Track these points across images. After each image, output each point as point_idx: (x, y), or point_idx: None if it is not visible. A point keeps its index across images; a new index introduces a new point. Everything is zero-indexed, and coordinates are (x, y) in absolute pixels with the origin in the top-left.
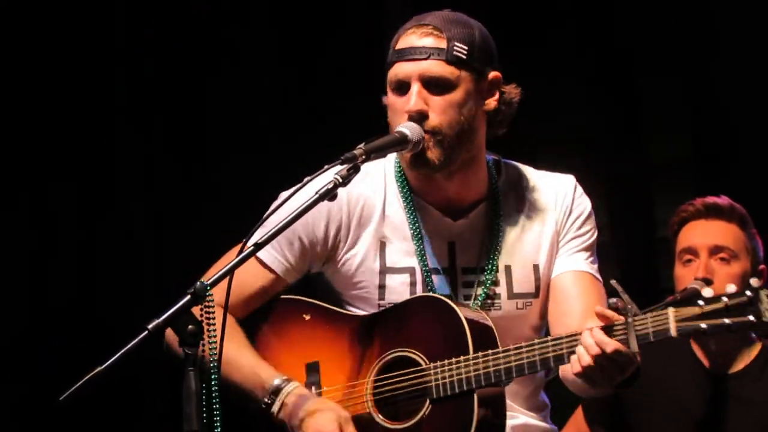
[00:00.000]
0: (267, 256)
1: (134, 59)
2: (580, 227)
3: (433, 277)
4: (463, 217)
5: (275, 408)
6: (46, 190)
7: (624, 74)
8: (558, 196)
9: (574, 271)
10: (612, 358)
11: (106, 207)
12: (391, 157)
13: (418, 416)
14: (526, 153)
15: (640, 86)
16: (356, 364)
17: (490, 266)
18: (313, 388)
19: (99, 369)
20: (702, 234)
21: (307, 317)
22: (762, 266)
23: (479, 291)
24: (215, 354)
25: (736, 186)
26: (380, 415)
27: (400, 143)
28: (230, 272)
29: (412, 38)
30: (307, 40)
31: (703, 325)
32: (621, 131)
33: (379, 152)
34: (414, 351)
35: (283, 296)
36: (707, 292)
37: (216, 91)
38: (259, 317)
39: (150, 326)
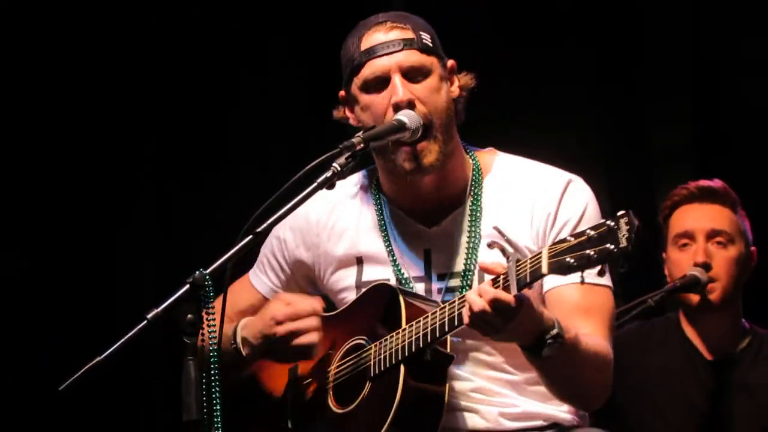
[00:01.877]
0: (254, 279)
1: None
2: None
3: (410, 286)
4: (438, 224)
5: (238, 340)
6: (48, 183)
7: (626, 62)
8: (543, 197)
9: (565, 285)
10: (493, 306)
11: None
12: (361, 173)
13: (360, 397)
14: (526, 141)
15: (641, 74)
16: (328, 359)
17: (465, 270)
18: (291, 390)
19: (99, 359)
20: (698, 218)
21: None
22: (753, 248)
23: (453, 296)
24: (215, 343)
25: (736, 174)
26: (334, 401)
27: (398, 131)
28: (230, 261)
29: (377, 36)
30: (315, 38)
31: (570, 259)
32: (622, 119)
33: (377, 140)
34: (362, 336)
35: None
36: (702, 275)
37: (227, 85)
38: None
39: (149, 316)
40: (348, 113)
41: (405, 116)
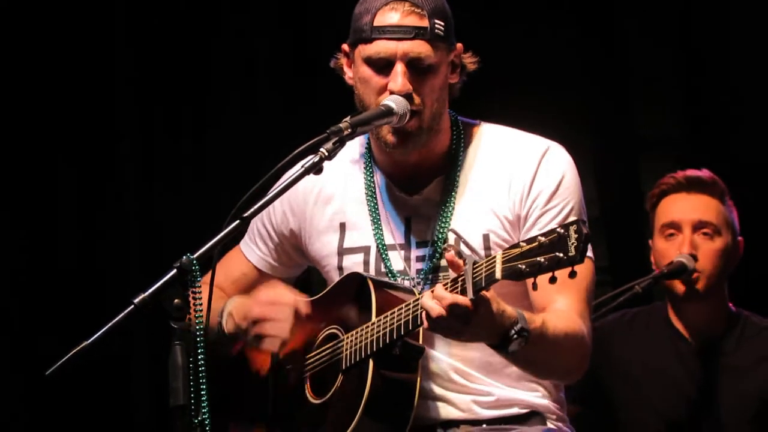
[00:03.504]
0: (245, 248)
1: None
2: (547, 202)
3: (389, 253)
4: (419, 193)
5: (224, 319)
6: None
7: (615, 47)
8: (520, 166)
9: None
10: (449, 310)
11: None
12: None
13: (333, 389)
14: (513, 123)
15: (630, 59)
16: (303, 344)
17: (438, 238)
18: (271, 375)
19: (85, 343)
20: (685, 208)
21: None
22: (740, 238)
23: (427, 265)
24: (201, 326)
25: (725, 160)
26: (310, 390)
27: (386, 116)
28: (216, 245)
29: (392, 15)
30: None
31: (522, 266)
32: (610, 105)
33: (365, 125)
34: (337, 326)
35: None
36: (690, 261)
37: (214, 61)
38: None
39: (136, 300)
40: (346, 67)
41: (393, 101)
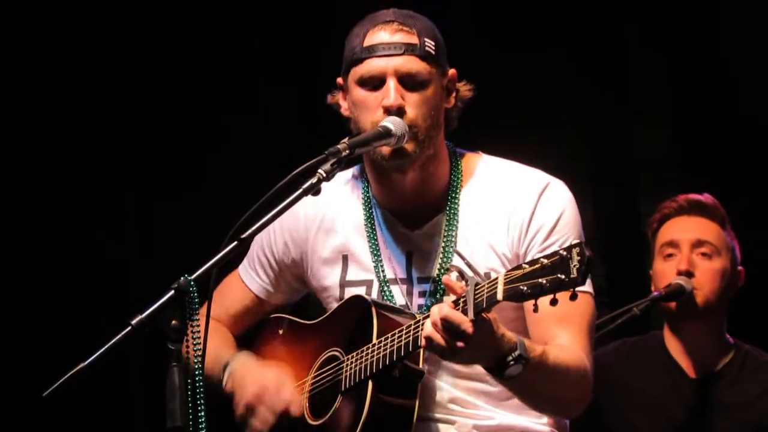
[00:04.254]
0: (244, 274)
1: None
2: (545, 238)
3: (391, 288)
4: (420, 228)
5: (225, 377)
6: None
7: (614, 67)
8: (519, 202)
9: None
10: (447, 328)
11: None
12: (354, 168)
13: (332, 410)
14: (511, 146)
15: (628, 80)
16: (305, 367)
17: (440, 275)
18: None
19: (82, 365)
20: (684, 228)
21: (281, 331)
22: (740, 268)
23: (429, 301)
24: (199, 349)
25: (723, 183)
26: (309, 412)
27: (384, 137)
28: (214, 266)
29: (381, 34)
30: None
31: (523, 287)
32: (608, 127)
33: (363, 146)
34: (337, 348)
35: (270, 315)
36: (688, 284)
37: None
38: (250, 334)
39: (133, 321)
40: (341, 101)
41: (391, 123)
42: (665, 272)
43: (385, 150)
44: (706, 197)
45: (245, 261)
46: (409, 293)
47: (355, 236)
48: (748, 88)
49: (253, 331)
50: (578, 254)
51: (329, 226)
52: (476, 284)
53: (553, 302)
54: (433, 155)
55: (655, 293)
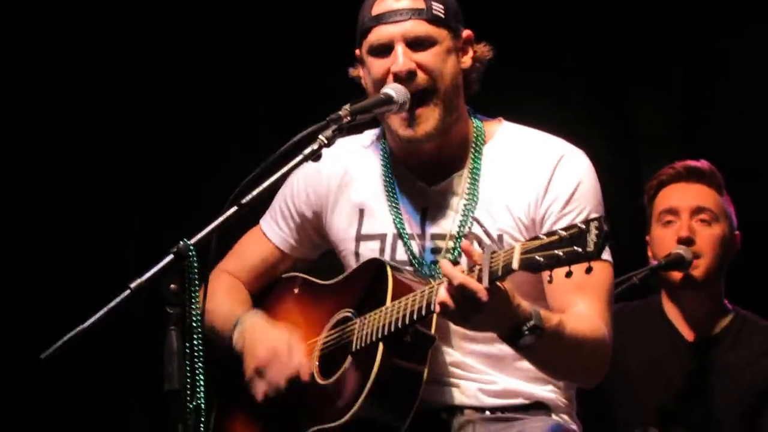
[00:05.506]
0: (266, 226)
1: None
2: (563, 207)
3: (407, 242)
4: (438, 184)
5: (235, 336)
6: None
7: (612, 46)
8: (537, 169)
9: None
10: (462, 294)
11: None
12: (377, 129)
13: (341, 370)
14: (513, 116)
15: (630, 53)
16: (318, 327)
17: (458, 233)
18: None
19: (81, 327)
20: (683, 195)
21: (296, 290)
22: (737, 232)
23: (445, 258)
24: (198, 313)
25: (723, 156)
26: (318, 372)
27: (386, 104)
28: (214, 231)
29: (388, 2)
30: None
31: (540, 258)
32: (608, 102)
33: (364, 113)
34: (350, 309)
35: (284, 274)
36: (687, 253)
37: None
38: (264, 293)
39: (132, 285)
40: (361, 72)
41: (392, 90)
42: (665, 239)
43: (403, 131)
44: (702, 163)
45: (267, 214)
46: (422, 248)
47: (371, 190)
48: (748, 59)
49: (268, 290)
50: (597, 228)
51: (348, 181)
52: (492, 252)
53: (568, 275)
54: (453, 122)
55: (655, 263)
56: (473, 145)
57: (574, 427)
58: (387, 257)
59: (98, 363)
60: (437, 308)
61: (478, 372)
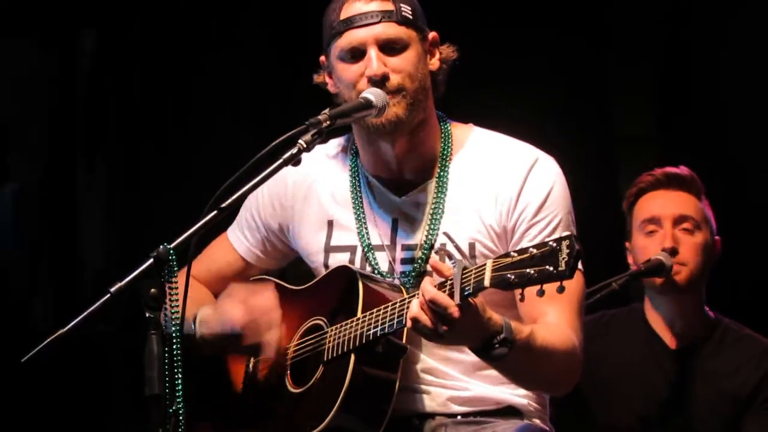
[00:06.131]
0: (232, 236)
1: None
2: (534, 215)
3: (375, 254)
4: (407, 195)
5: (196, 327)
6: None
7: (591, 45)
8: (507, 177)
9: None
10: (433, 310)
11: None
12: (342, 137)
13: (313, 379)
14: (491, 126)
15: (606, 58)
16: (289, 333)
17: (426, 244)
18: (252, 359)
19: (61, 331)
20: (665, 204)
21: None
22: (717, 237)
23: (410, 267)
24: (177, 317)
25: (702, 158)
26: (290, 380)
27: (365, 108)
28: (194, 235)
29: (357, 5)
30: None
31: (511, 275)
32: (587, 103)
33: (344, 117)
34: (322, 318)
35: (253, 277)
36: (668, 260)
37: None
38: None
39: (112, 289)
40: (327, 79)
41: (372, 94)
42: (648, 249)
43: (368, 123)
44: (682, 169)
45: (234, 223)
46: (393, 260)
47: (340, 202)
48: (729, 65)
49: None
50: (568, 246)
51: (315, 192)
52: (464, 268)
53: (540, 293)
54: (422, 121)
55: (635, 268)
56: (441, 154)
57: (546, 428)
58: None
59: (80, 367)
60: (409, 323)
61: (450, 378)
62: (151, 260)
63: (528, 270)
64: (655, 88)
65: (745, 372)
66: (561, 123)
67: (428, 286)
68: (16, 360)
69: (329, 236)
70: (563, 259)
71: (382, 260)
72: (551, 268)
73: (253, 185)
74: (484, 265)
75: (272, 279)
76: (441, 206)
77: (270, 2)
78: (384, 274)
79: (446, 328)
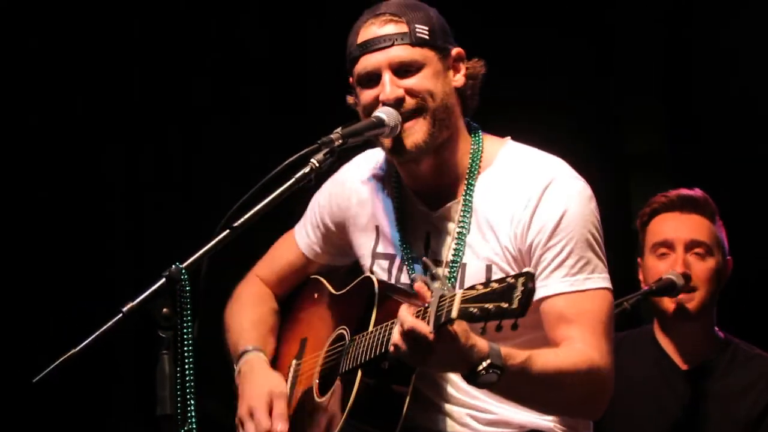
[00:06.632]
0: (297, 231)
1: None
2: (549, 239)
3: (414, 266)
4: (438, 210)
5: (238, 369)
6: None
7: (602, 66)
8: (524, 197)
9: (550, 297)
10: (410, 337)
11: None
12: None
13: (330, 390)
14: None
15: (618, 76)
16: (323, 339)
17: (453, 262)
18: (294, 361)
19: (73, 351)
20: (678, 228)
21: (316, 295)
22: (729, 257)
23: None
24: (190, 337)
25: (712, 179)
26: (317, 388)
27: (377, 127)
28: (205, 255)
29: (372, 29)
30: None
31: (474, 309)
32: (598, 121)
33: (356, 136)
34: (345, 327)
35: (311, 276)
36: (679, 279)
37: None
38: (295, 291)
39: (124, 309)
40: (356, 100)
41: (384, 113)
42: (659, 271)
43: (386, 143)
44: (696, 192)
45: (302, 220)
46: (425, 273)
47: (384, 210)
48: (739, 84)
49: (298, 288)
50: (523, 284)
51: (367, 197)
52: (441, 296)
53: (498, 328)
54: (447, 138)
55: (646, 288)
56: (468, 171)
57: None
58: (393, 278)
59: (90, 386)
60: (392, 348)
61: (472, 398)
62: (163, 280)
63: (487, 305)
64: (664, 110)
65: (756, 392)
66: (571, 144)
67: (405, 314)
68: None
69: (376, 241)
70: (517, 296)
71: (419, 272)
72: (505, 305)
73: (266, 204)
74: (454, 296)
75: (322, 279)
76: (467, 224)
77: (270, 2)
78: (409, 290)
79: (425, 355)
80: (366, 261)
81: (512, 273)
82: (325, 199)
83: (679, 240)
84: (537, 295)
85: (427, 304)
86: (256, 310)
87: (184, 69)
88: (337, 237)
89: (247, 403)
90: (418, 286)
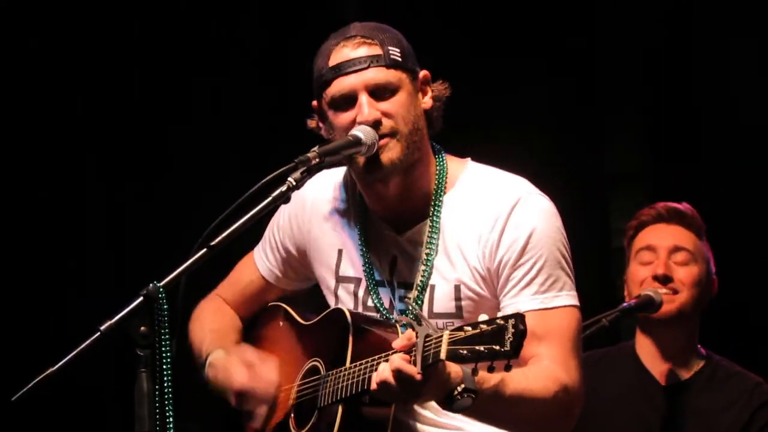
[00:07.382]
0: (256, 255)
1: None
2: (517, 258)
3: (378, 289)
4: (405, 233)
5: (206, 368)
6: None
7: (584, 82)
8: (491, 217)
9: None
10: (398, 378)
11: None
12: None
13: (309, 424)
14: (482, 160)
15: (599, 95)
16: (295, 370)
17: (420, 285)
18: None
19: (51, 370)
20: (662, 235)
21: (281, 323)
22: (714, 277)
23: (405, 308)
24: (168, 355)
25: (694, 196)
26: (293, 421)
27: (354, 146)
28: (183, 273)
29: (344, 51)
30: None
31: (464, 351)
32: (578, 140)
33: (333, 155)
34: (319, 360)
35: (271, 302)
36: (657, 296)
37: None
38: (255, 319)
39: (102, 327)
40: (320, 124)
41: (361, 132)
42: (640, 276)
43: (359, 162)
44: (684, 206)
45: (260, 243)
46: (392, 297)
47: (348, 233)
48: (722, 104)
49: (258, 316)
50: (513, 326)
51: (329, 218)
52: (426, 336)
53: (490, 369)
54: (417, 160)
55: (624, 304)
56: (434, 193)
57: None
58: (360, 302)
59: (72, 405)
60: (373, 386)
61: (443, 417)
62: (141, 298)
63: (478, 347)
64: (648, 127)
65: (736, 409)
66: (550, 162)
67: (395, 357)
68: None
69: (338, 264)
70: (508, 339)
71: (384, 296)
72: (498, 347)
73: (243, 223)
74: (441, 336)
75: (285, 306)
76: (435, 245)
77: (270, 2)
78: (385, 310)
79: (410, 394)
80: (329, 282)
81: (484, 294)
82: (285, 221)
83: (662, 245)
84: (507, 313)
85: (411, 347)
86: (216, 319)
87: (184, 69)
88: (297, 261)
89: (239, 376)
90: (396, 342)
